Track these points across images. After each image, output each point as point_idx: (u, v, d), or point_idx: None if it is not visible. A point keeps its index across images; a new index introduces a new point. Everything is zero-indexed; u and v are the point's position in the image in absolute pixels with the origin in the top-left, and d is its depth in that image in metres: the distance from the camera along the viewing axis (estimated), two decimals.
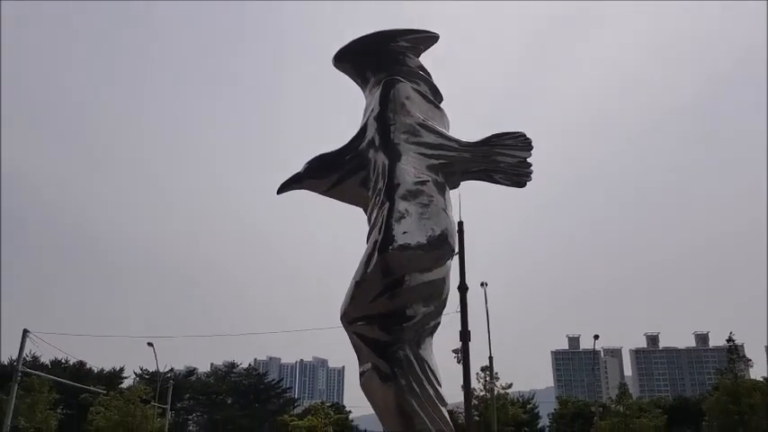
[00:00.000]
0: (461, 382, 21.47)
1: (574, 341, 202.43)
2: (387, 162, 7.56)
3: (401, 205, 7.25)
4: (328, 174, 8.18)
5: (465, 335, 20.97)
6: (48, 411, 49.34)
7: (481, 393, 43.81)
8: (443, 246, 7.31)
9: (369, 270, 7.09)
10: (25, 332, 28.39)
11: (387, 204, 7.26)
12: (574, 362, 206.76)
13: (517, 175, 8.08)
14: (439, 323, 7.53)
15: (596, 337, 43.53)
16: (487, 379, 41.87)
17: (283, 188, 8.39)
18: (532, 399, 69.22)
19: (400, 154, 7.64)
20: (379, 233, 7.14)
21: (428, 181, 7.55)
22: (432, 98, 8.30)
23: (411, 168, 7.53)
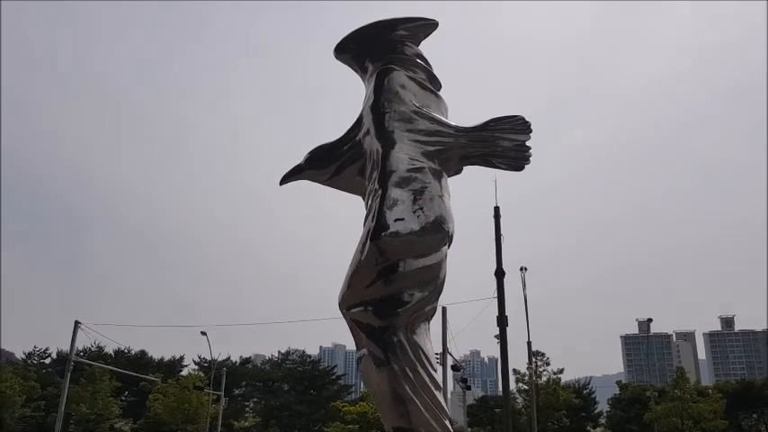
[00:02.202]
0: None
1: (644, 325, 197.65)
2: (380, 150, 7.60)
3: (394, 192, 7.30)
4: (327, 164, 8.33)
5: (502, 320, 20.90)
6: (109, 399, 51.74)
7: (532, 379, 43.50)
8: (438, 232, 7.31)
9: (363, 257, 7.20)
10: (77, 323, 29.72)
11: (380, 191, 7.34)
12: (645, 346, 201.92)
13: (515, 158, 8.00)
14: (435, 309, 7.55)
15: (650, 320, 42.32)
16: (538, 364, 41.57)
17: (286, 179, 8.60)
18: (588, 384, 68.16)
19: (394, 141, 7.65)
20: (372, 220, 7.22)
21: (423, 168, 7.55)
22: (429, 85, 8.26)
23: (405, 155, 7.54)
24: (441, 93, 8.48)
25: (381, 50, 8.42)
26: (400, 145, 7.64)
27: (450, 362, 29.55)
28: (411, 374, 6.98)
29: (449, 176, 8.49)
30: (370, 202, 7.57)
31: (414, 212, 7.23)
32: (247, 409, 76.92)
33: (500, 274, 20.41)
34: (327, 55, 8.74)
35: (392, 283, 7.15)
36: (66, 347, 63.47)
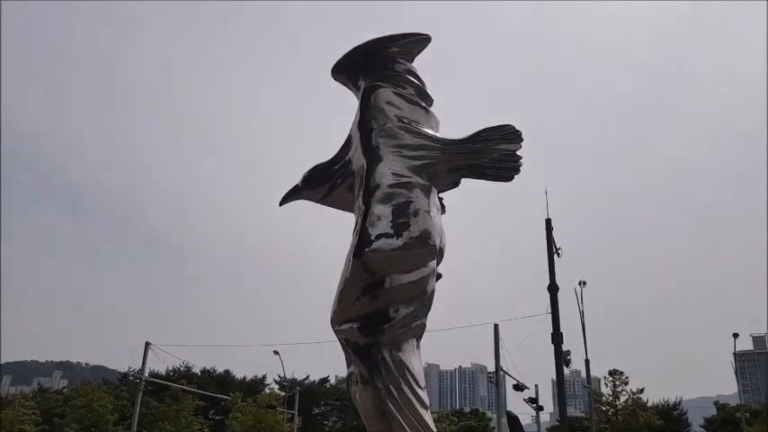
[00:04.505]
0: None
1: (759, 341, 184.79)
2: (365, 166, 7.64)
3: (377, 208, 7.29)
4: (321, 184, 8.48)
5: (557, 337, 20.15)
6: (192, 417, 53.76)
7: (609, 399, 41.57)
8: (423, 246, 7.24)
9: (348, 274, 7.23)
10: (147, 344, 31.09)
11: (363, 207, 7.36)
12: (760, 364, 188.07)
13: (505, 168, 7.84)
14: (423, 325, 7.44)
15: (736, 335, 39.61)
16: (616, 383, 39.71)
17: (285, 200, 8.85)
18: (679, 404, 64.46)
19: (380, 157, 7.66)
20: (355, 237, 7.25)
21: (408, 183, 7.52)
22: (417, 100, 8.24)
23: (389, 171, 7.54)
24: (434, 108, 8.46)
25: (373, 68, 8.49)
26: (385, 161, 7.63)
27: (496, 379, 28.70)
28: (395, 392, 6.90)
29: (443, 190, 8.46)
30: (356, 217, 7.62)
31: (397, 228, 7.20)
32: (326, 428, 77.68)
33: (553, 288, 19.74)
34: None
35: (378, 298, 7.12)
36: (158, 368, 66.66)
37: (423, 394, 7.10)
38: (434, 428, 7.11)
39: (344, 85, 8.97)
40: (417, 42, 8.68)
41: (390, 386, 6.89)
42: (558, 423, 67.23)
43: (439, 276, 8.03)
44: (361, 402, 7.11)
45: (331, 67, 8.85)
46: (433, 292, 7.45)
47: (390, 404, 6.82)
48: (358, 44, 8.73)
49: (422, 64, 8.80)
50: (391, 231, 7.14)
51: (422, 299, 7.30)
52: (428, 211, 7.47)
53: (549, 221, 20.77)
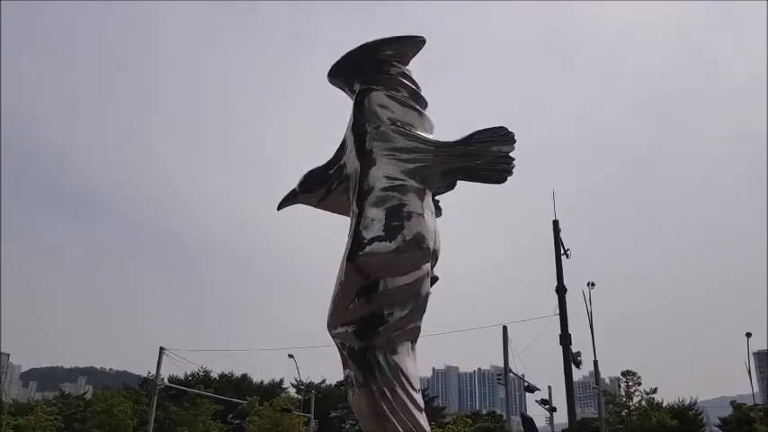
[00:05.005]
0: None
1: None
2: (359, 169, 7.68)
3: (370, 212, 7.33)
4: (317, 188, 8.54)
5: (565, 338, 20.06)
6: (210, 422, 54.14)
7: (622, 399, 41.21)
8: (417, 249, 7.26)
9: (343, 278, 7.27)
10: (161, 350, 31.38)
11: (356, 211, 7.40)
12: None
13: (498, 170, 7.83)
14: (418, 328, 7.46)
15: (749, 335, 39.03)
16: (629, 384, 39.37)
17: (282, 205, 8.93)
18: (695, 404, 63.66)
19: (374, 161, 7.69)
20: (350, 240, 7.29)
21: (402, 186, 7.54)
22: (411, 103, 8.26)
23: (382, 174, 7.57)
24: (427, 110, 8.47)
25: (368, 71, 8.52)
26: (379, 164, 7.66)
27: (505, 380, 28.54)
28: (389, 394, 6.94)
29: (438, 193, 8.48)
30: (350, 221, 7.66)
31: (391, 231, 7.22)
32: (342, 431, 77.74)
33: (561, 290, 19.66)
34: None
35: (372, 301, 7.16)
36: (176, 373, 67.21)
37: (417, 396, 7.13)
38: (429, 430, 7.14)
39: (341, 88, 9.00)
40: (412, 45, 8.68)
41: (385, 388, 6.93)
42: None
43: (436, 279, 8.05)
44: (357, 405, 7.16)
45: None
46: (427, 294, 7.47)
47: (385, 406, 6.86)
48: (353, 48, 8.79)
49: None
50: (384, 234, 7.17)
51: (416, 301, 7.32)
52: (421, 214, 7.48)
53: (556, 223, 20.74)
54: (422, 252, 7.33)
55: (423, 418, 7.07)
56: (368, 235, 7.17)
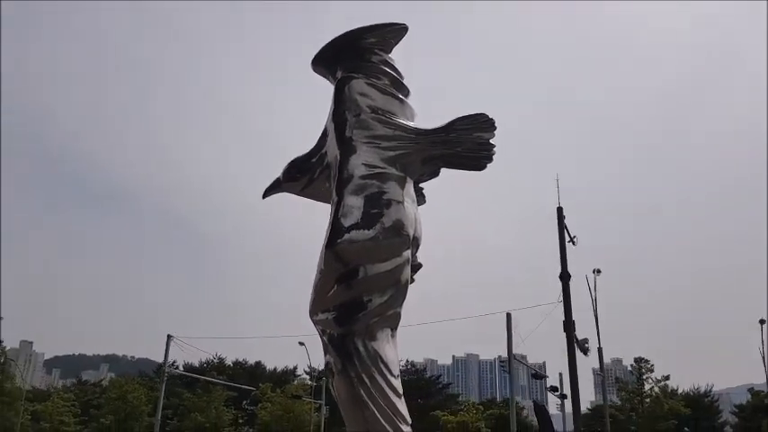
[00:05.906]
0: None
1: None
2: (338, 157, 7.70)
3: (349, 200, 7.36)
4: (300, 176, 8.59)
5: (569, 325, 20.05)
6: (222, 408, 54.80)
7: (634, 386, 41.07)
8: (396, 237, 7.29)
9: (323, 265, 7.33)
10: (169, 337, 31.73)
11: (335, 199, 7.44)
12: None
13: (479, 157, 7.83)
14: (398, 314, 7.52)
15: (762, 321, 38.63)
16: (642, 371, 39.23)
17: (266, 193, 8.98)
18: (710, 392, 63.29)
19: (353, 149, 7.71)
20: (329, 228, 7.34)
21: (381, 173, 7.55)
22: (392, 90, 8.24)
23: (361, 162, 7.58)
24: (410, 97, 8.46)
25: (350, 59, 8.52)
26: (359, 152, 7.67)
27: (509, 366, 28.58)
28: (367, 380, 7.00)
29: (422, 180, 8.49)
30: (331, 209, 7.70)
31: (370, 218, 7.25)
32: None
33: (566, 277, 19.63)
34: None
35: (352, 287, 7.21)
36: (191, 360, 67.98)
37: (396, 383, 7.20)
38: (408, 416, 7.21)
39: (324, 77, 9.00)
40: (394, 32, 8.65)
41: (363, 375, 6.99)
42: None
43: (419, 267, 8.10)
44: (336, 391, 7.23)
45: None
46: (407, 281, 7.51)
47: (363, 392, 6.93)
48: (334, 37, 8.78)
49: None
50: (363, 222, 7.20)
51: (396, 288, 7.36)
52: (401, 202, 7.50)
53: (560, 210, 20.66)
54: (401, 239, 7.36)
55: (402, 404, 7.14)
56: (346, 222, 7.21)
